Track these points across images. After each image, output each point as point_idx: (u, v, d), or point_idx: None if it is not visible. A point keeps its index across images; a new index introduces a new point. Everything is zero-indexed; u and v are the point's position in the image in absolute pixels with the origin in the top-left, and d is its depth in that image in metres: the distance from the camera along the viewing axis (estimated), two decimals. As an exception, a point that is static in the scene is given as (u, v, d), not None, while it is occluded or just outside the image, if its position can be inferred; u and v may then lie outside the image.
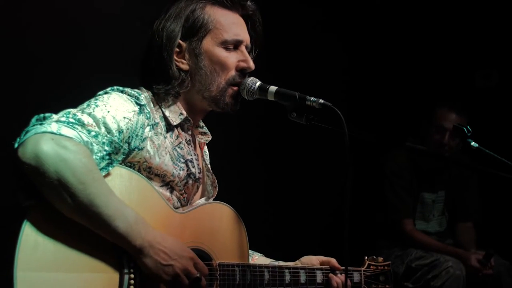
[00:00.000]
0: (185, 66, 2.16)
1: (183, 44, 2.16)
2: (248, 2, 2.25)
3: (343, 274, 2.42)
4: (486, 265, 4.05)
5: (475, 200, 4.46)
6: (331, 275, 2.41)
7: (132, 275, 1.86)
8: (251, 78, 2.23)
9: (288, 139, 4.25)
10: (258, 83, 2.22)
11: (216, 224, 2.15)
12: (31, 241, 1.71)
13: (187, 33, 2.16)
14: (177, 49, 2.16)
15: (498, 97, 4.94)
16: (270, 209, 4.37)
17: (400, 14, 4.95)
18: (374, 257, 2.65)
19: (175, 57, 2.16)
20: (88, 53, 3.28)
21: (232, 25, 2.19)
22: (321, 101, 2.10)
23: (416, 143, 4.17)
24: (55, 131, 1.76)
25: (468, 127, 2.39)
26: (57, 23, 3.19)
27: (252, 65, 2.21)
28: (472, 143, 2.38)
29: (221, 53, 2.17)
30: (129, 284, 1.85)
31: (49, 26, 3.17)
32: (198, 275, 1.92)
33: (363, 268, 2.58)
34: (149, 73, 2.17)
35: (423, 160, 4.33)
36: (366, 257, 2.62)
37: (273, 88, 2.20)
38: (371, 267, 2.60)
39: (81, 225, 1.79)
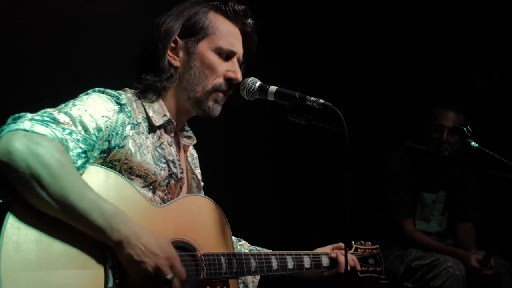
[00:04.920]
0: (176, 63, 2.20)
1: (180, 41, 2.20)
2: (249, 20, 2.29)
3: (348, 253, 2.50)
4: (486, 265, 4.05)
5: (475, 200, 4.45)
6: (335, 254, 2.47)
7: (117, 269, 1.85)
8: (251, 78, 2.24)
9: (288, 140, 4.25)
10: (258, 83, 2.23)
11: (196, 216, 2.15)
12: (12, 241, 1.70)
13: (186, 32, 2.20)
14: (172, 44, 2.20)
15: (498, 97, 4.94)
16: (270, 209, 4.38)
17: (400, 15, 4.95)
18: (362, 241, 2.66)
19: (169, 51, 2.19)
20: (80, 53, 3.29)
21: (230, 35, 2.23)
22: (321, 101, 2.10)
23: (416, 143, 4.18)
24: (27, 128, 1.77)
25: (468, 127, 2.38)
26: (49, 22, 3.20)
27: (240, 77, 2.23)
28: (472, 143, 2.37)
29: (213, 58, 2.20)
30: (115, 278, 1.84)
31: (41, 26, 3.17)
32: (169, 276, 1.88)
33: (350, 252, 2.60)
34: (141, 63, 2.21)
35: (423, 160, 4.33)
36: (353, 241, 2.64)
37: (273, 88, 2.20)
38: (359, 250, 2.62)
39: (63, 222, 1.79)
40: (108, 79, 2.25)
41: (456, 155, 4.27)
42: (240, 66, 2.27)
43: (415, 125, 4.45)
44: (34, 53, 3.16)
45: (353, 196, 1.91)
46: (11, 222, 1.72)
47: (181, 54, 2.20)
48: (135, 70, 2.23)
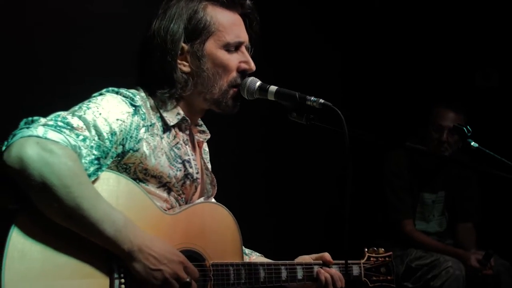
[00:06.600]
0: (187, 69, 2.13)
1: (185, 46, 2.12)
2: (247, 1, 2.22)
3: (331, 268, 2.37)
4: (486, 265, 4.05)
5: (475, 200, 4.46)
6: (318, 269, 2.35)
7: (122, 280, 1.85)
8: (251, 78, 2.22)
9: (288, 139, 4.25)
10: (258, 83, 2.21)
11: (208, 224, 2.12)
12: (18, 250, 1.70)
13: (190, 36, 2.12)
14: (179, 52, 2.13)
15: (498, 97, 4.94)
16: (270, 210, 4.37)
17: (400, 15, 4.95)
18: (375, 248, 2.61)
19: (178, 60, 2.12)
20: (87, 54, 3.29)
21: (233, 26, 2.16)
22: (321, 101, 2.09)
23: (416, 143, 4.18)
24: (41, 135, 1.74)
25: (468, 127, 2.38)
26: (57, 23, 3.20)
27: (253, 66, 2.19)
28: (472, 143, 2.36)
29: (223, 56, 2.14)
30: None
31: (49, 27, 3.17)
32: (188, 279, 1.91)
33: (362, 261, 2.53)
34: (151, 77, 2.13)
35: (423, 160, 4.33)
36: (366, 249, 2.57)
37: (273, 88, 2.19)
38: (371, 259, 2.55)
39: (69, 231, 1.78)
40: (109, 80, 2.23)
41: (456, 155, 4.27)
42: (249, 50, 2.22)
43: (415, 125, 4.46)
44: (36, 54, 3.15)
45: (353, 196, 1.91)
46: (17, 230, 1.71)
47: (189, 58, 2.12)
48: (139, 80, 2.15)
